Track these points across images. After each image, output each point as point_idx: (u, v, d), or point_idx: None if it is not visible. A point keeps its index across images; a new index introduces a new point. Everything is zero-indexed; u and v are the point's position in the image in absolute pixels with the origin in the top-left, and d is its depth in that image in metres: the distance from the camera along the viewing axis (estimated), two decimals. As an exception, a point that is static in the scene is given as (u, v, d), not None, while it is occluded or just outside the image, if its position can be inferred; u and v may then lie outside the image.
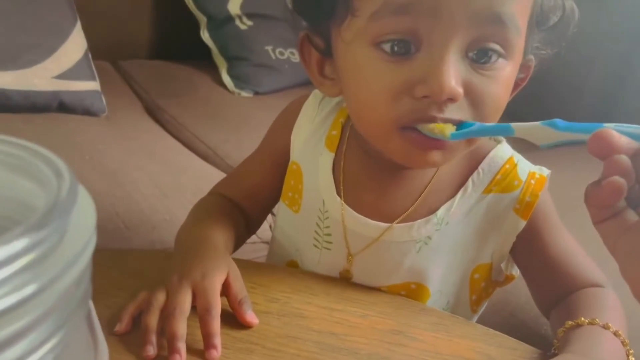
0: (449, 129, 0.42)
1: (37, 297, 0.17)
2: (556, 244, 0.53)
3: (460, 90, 0.42)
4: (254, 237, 0.76)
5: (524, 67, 0.51)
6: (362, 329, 0.48)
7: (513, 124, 0.41)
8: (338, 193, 0.54)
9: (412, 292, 0.55)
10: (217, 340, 0.42)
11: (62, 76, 1.06)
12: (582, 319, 0.47)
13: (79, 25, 1.13)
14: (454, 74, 0.41)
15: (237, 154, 1.07)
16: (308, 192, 0.57)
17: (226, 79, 1.42)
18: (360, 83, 0.46)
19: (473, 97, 0.43)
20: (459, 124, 0.43)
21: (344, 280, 0.56)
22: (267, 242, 0.84)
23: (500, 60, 0.44)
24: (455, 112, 0.43)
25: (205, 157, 1.08)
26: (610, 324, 0.47)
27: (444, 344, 0.48)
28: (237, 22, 1.45)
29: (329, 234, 0.55)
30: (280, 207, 0.60)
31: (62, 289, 0.18)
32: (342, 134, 0.56)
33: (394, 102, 0.43)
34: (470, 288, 0.56)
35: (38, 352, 0.17)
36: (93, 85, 1.10)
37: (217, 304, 0.44)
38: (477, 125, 0.43)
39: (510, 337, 0.50)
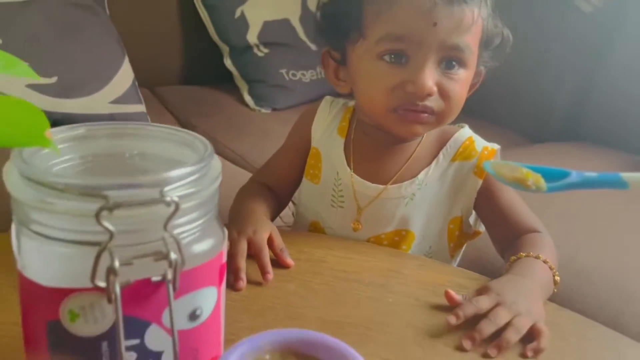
0: (542, 183, 0.38)
1: (199, 193, 0.32)
2: (505, 199, 0.69)
3: (435, 89, 0.61)
4: (279, 222, 0.91)
5: (477, 74, 0.69)
6: (367, 268, 0.64)
7: (625, 175, 0.35)
8: (348, 165, 0.71)
9: (402, 237, 0.71)
10: (270, 269, 0.58)
11: (116, 101, 1.23)
12: (521, 253, 0.63)
13: (127, 59, 1.30)
14: (431, 78, 0.61)
15: (260, 159, 1.21)
16: (325, 167, 0.73)
17: (247, 98, 1.55)
18: (369, 82, 0.64)
19: (443, 93, 0.62)
20: (551, 175, 0.39)
21: (355, 240, 0.71)
22: (289, 226, 1.00)
23: (461, 69, 0.63)
24: (431, 102, 0.62)
25: (235, 162, 1.24)
26: (540, 255, 0.62)
27: (426, 277, 0.63)
28: (255, 50, 1.57)
29: (342, 196, 0.72)
30: (304, 185, 0.76)
31: (209, 193, 0.34)
32: (350, 125, 0.73)
33: (391, 94, 0.62)
34: (448, 237, 0.72)
35: (198, 221, 0.33)
36: (140, 107, 1.27)
37: (267, 249, 0.60)
38: (576, 175, 0.37)
39: (474, 272, 0.66)
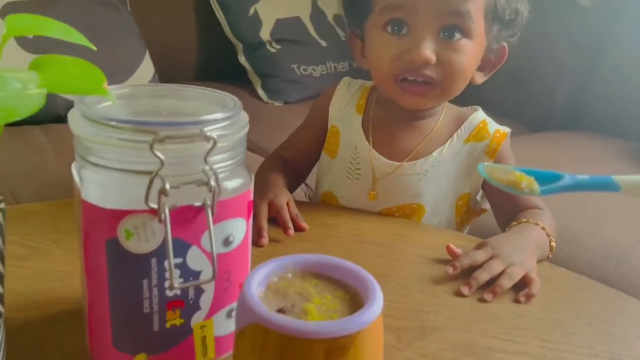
0: (535, 186, 0.38)
1: (231, 136, 0.37)
2: None
3: (433, 58, 0.64)
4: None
5: (497, 50, 0.71)
6: (376, 231, 0.69)
7: (616, 178, 0.35)
8: (367, 140, 0.75)
9: (414, 210, 0.75)
10: (291, 225, 0.63)
11: (138, 93, 1.29)
12: (522, 219, 0.67)
13: (147, 54, 1.37)
14: (428, 47, 0.64)
15: (273, 146, 1.27)
16: (343, 142, 0.77)
17: (261, 92, 1.61)
18: (375, 52, 0.69)
19: (443, 62, 0.65)
20: (545, 178, 0.39)
21: (366, 211, 0.75)
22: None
23: (464, 39, 0.65)
24: (431, 71, 0.65)
25: (251, 150, 1.30)
26: (539, 222, 0.66)
27: (430, 239, 0.68)
28: (268, 46, 1.63)
29: (359, 168, 0.75)
30: (321, 159, 0.80)
31: (238, 137, 0.39)
32: (367, 103, 0.77)
33: (393, 63, 0.66)
34: (456, 212, 0.76)
35: (229, 161, 0.38)
36: (160, 99, 1.33)
37: (286, 208, 0.65)
38: (569, 178, 0.37)
39: (473, 237, 0.71)
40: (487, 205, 0.78)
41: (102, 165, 0.35)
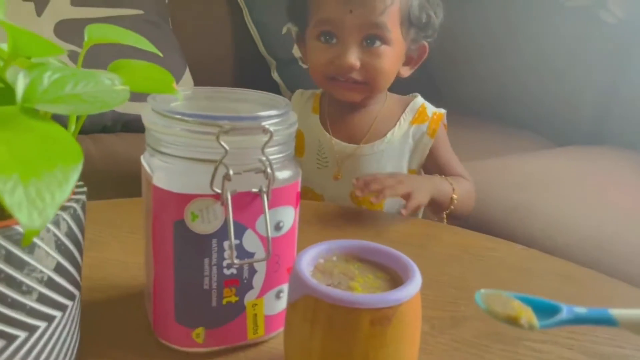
0: (534, 321, 0.36)
1: (283, 131, 0.41)
2: (446, 154, 0.85)
3: (358, 64, 0.76)
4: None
5: (417, 48, 0.83)
6: (406, 234, 0.71)
7: (614, 312, 0.34)
8: (327, 132, 0.85)
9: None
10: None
11: (179, 105, 1.35)
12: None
13: (187, 69, 1.43)
14: (353, 55, 0.76)
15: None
16: (308, 140, 0.87)
17: None
18: (312, 57, 0.80)
19: (366, 66, 0.77)
20: (543, 307, 0.37)
21: (393, 216, 0.79)
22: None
23: (383, 46, 0.77)
24: (355, 74, 0.77)
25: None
26: (449, 179, 0.79)
27: (459, 240, 0.70)
28: (300, 62, 1.68)
29: (325, 157, 0.85)
30: None
31: (289, 132, 0.42)
32: (320, 105, 0.88)
33: (325, 67, 0.78)
34: None
35: (281, 154, 0.41)
36: (199, 112, 1.39)
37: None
38: (567, 311, 0.36)
39: (495, 237, 0.73)
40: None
41: (171, 154, 0.39)
